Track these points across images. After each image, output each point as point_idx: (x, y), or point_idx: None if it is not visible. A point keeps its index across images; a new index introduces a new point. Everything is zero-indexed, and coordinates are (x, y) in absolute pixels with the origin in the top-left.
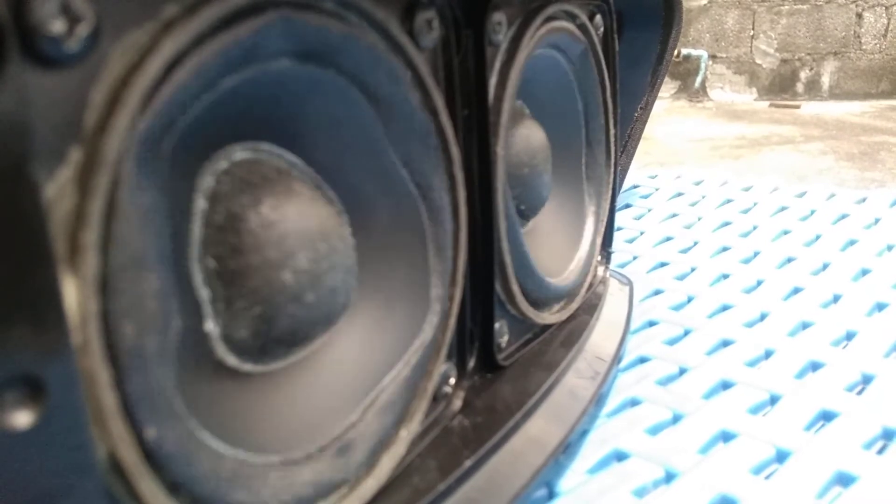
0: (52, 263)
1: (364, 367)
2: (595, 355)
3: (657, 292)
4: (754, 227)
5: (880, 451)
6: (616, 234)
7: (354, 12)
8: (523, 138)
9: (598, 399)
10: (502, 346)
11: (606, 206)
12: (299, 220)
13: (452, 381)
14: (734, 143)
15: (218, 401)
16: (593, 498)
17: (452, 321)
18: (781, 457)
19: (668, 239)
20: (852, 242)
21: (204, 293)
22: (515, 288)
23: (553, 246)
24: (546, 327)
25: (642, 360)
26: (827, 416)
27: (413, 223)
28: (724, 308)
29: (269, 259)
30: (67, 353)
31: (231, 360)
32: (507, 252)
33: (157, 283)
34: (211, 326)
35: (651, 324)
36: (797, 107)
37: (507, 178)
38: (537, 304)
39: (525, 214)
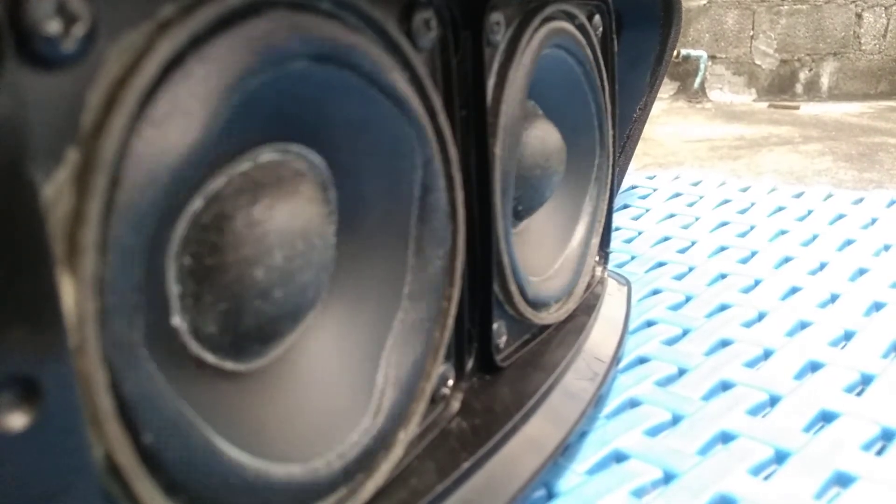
0: (50, 264)
1: (347, 365)
2: (594, 356)
3: (655, 292)
4: (752, 227)
5: (879, 452)
6: (614, 235)
7: (352, 12)
8: (538, 140)
9: (597, 400)
10: (500, 346)
11: (605, 206)
12: (282, 221)
13: (451, 382)
14: (733, 143)
15: (207, 401)
16: (592, 499)
17: (450, 321)
18: (781, 457)
19: (667, 239)
20: (850, 242)
21: (174, 289)
22: (514, 288)
23: (545, 245)
24: (544, 328)
25: (641, 361)
26: (826, 417)
27: (400, 223)
28: (723, 308)
29: (244, 256)
30: (64, 354)
31: (208, 357)
32: (506, 253)
33: (142, 281)
34: (178, 321)
35: (649, 324)
36: (796, 107)
37: (512, 179)
38: (535, 305)
39: (520, 215)
